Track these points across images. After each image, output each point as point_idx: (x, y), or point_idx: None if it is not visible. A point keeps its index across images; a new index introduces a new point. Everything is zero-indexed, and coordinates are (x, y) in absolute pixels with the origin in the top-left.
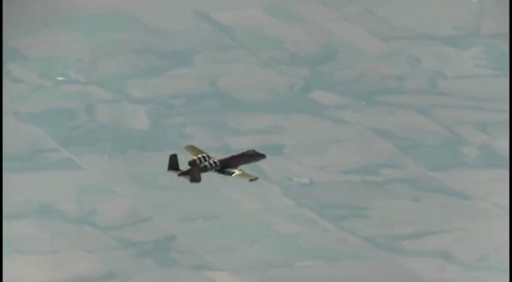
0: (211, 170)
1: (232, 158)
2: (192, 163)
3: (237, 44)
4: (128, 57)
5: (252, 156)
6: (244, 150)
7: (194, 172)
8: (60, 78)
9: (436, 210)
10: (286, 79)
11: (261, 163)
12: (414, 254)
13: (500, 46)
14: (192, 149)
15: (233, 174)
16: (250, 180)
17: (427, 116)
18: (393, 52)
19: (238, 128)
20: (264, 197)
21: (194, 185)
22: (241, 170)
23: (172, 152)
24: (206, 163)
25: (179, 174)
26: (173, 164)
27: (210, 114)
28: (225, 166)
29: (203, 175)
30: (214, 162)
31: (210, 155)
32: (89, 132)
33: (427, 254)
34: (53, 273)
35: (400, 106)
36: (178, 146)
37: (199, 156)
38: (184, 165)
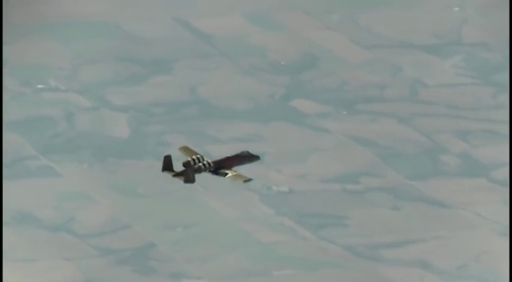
0: (205, 171)
1: (227, 159)
2: (186, 164)
3: (218, 51)
4: (109, 65)
5: (246, 157)
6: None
7: (188, 173)
8: (40, 86)
9: (415, 219)
10: (267, 87)
11: (240, 171)
12: (393, 262)
13: (481, 54)
14: (186, 150)
15: (227, 175)
16: (244, 181)
17: (407, 124)
18: (374, 60)
19: (218, 136)
20: (243, 206)
21: (173, 193)
22: (235, 171)
23: (151, 160)
24: (200, 164)
25: (173, 175)
26: (167, 165)
27: (189, 122)
28: (219, 167)
29: (178, 182)
30: (208, 163)
31: (204, 157)
32: (69, 140)
33: (406, 263)
34: (31, 281)
35: (380, 114)
36: (157, 154)
37: (194, 157)
38: (178, 167)
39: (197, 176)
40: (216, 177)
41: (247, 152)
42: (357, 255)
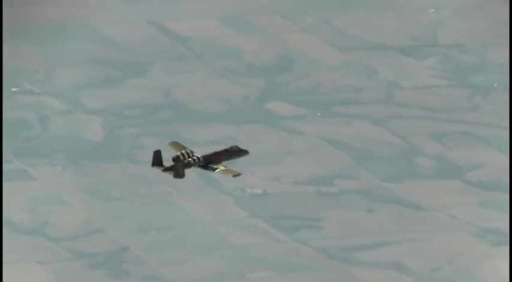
0: (195, 165)
1: (216, 154)
2: (176, 159)
3: (193, 54)
4: (83, 68)
5: (235, 152)
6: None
7: (178, 168)
8: (14, 89)
9: (390, 221)
10: (242, 90)
11: (214, 173)
12: (367, 265)
13: (457, 56)
14: (175, 145)
15: (216, 170)
16: (234, 175)
17: (382, 126)
18: (350, 62)
19: (193, 139)
20: (217, 208)
21: (147, 196)
22: (224, 166)
23: (125, 163)
24: (190, 159)
25: (163, 170)
26: (157, 160)
27: (164, 125)
28: (208, 162)
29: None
30: (198, 158)
31: (194, 152)
32: (43, 143)
33: (380, 265)
34: None
35: (355, 117)
36: (132, 157)
37: (183, 152)
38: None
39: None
40: (189, 179)
41: (236, 146)
42: (331, 258)
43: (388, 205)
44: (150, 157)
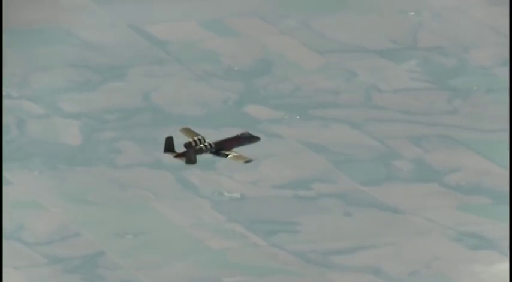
0: (207, 152)
1: (227, 140)
2: (187, 145)
3: (172, 58)
4: (61, 71)
5: (246, 138)
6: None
7: (190, 154)
8: None
9: (367, 225)
10: (220, 93)
11: (191, 177)
12: (344, 269)
13: (436, 59)
14: (187, 131)
15: (228, 156)
16: (245, 162)
17: (361, 130)
18: (328, 65)
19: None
20: (194, 212)
21: (124, 200)
22: (236, 152)
23: (103, 167)
24: (201, 145)
25: (175, 156)
26: (169, 147)
27: (142, 129)
28: (219, 148)
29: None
30: (210, 145)
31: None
32: (20, 147)
33: (357, 269)
34: None
35: (334, 120)
36: (109, 160)
37: (195, 138)
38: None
39: (146, 182)
40: (166, 183)
41: (248, 132)
42: (308, 262)
43: (366, 209)
44: (127, 161)
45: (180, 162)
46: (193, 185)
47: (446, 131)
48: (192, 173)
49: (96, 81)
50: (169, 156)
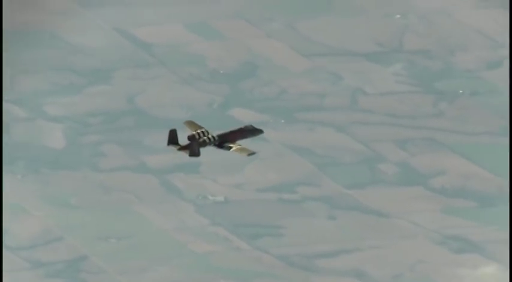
0: (210, 144)
1: (231, 133)
2: (191, 138)
3: (157, 61)
4: (46, 74)
5: (249, 131)
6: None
7: (193, 146)
8: None
9: (352, 229)
10: (206, 96)
11: (175, 181)
12: (328, 272)
13: (422, 62)
14: (191, 124)
15: (231, 149)
16: (249, 154)
17: (346, 133)
18: (314, 69)
19: (155, 146)
20: (177, 216)
21: (107, 204)
22: (239, 145)
23: (86, 171)
24: (205, 138)
25: (179, 149)
26: (173, 139)
27: (126, 132)
28: (223, 141)
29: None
30: (213, 137)
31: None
32: (3, 150)
33: (341, 272)
34: None
35: (319, 123)
36: (93, 164)
37: (199, 131)
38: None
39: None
40: (150, 187)
41: (251, 125)
42: (292, 265)
43: (350, 212)
44: (111, 165)
45: (164, 165)
46: (177, 189)
47: (432, 134)
48: (176, 177)
49: (80, 84)
50: (154, 159)
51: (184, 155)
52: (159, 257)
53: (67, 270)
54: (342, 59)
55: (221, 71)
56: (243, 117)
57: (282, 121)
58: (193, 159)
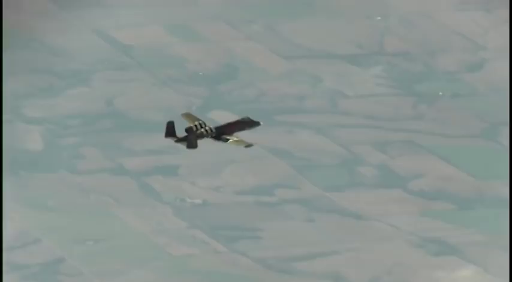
0: (207, 136)
1: (228, 125)
2: (189, 130)
3: (136, 63)
4: (24, 76)
5: (246, 123)
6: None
7: (191, 138)
8: None
9: (330, 231)
10: (185, 99)
11: (154, 183)
12: (305, 275)
13: (402, 64)
14: (188, 116)
15: (229, 141)
16: (246, 146)
17: (325, 135)
18: (294, 71)
19: (133, 148)
20: (155, 219)
21: (84, 206)
22: (236, 136)
23: (64, 173)
24: (202, 130)
25: (176, 141)
26: (170, 131)
27: (105, 135)
28: (220, 133)
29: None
30: (211, 129)
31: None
32: None
33: (319, 275)
34: None
35: (299, 126)
36: (71, 166)
37: (196, 123)
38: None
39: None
40: (128, 189)
41: (248, 117)
42: (269, 268)
43: (329, 215)
44: (89, 167)
45: (142, 168)
46: (155, 191)
47: (411, 136)
48: (154, 179)
49: (59, 86)
50: (132, 161)
51: (162, 158)
52: (137, 260)
53: (44, 273)
54: (322, 61)
55: (200, 73)
56: (222, 119)
57: (261, 123)
58: (171, 161)
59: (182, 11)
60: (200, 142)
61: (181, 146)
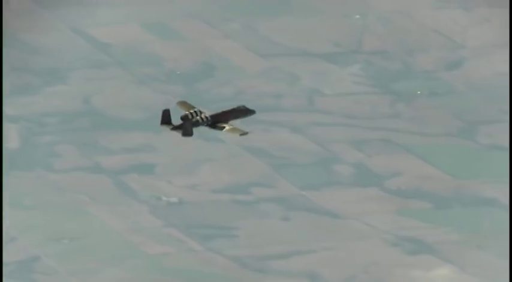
0: (203, 124)
1: (223, 113)
2: (184, 118)
3: (113, 61)
4: (1, 74)
5: (241, 111)
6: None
7: (186, 126)
8: None
9: (306, 230)
10: (162, 97)
11: (129, 182)
12: (280, 274)
13: (379, 63)
14: (184, 104)
15: (224, 129)
16: (241, 134)
17: (302, 134)
18: (272, 69)
19: (110, 147)
20: (131, 217)
21: (60, 204)
22: (231, 125)
23: (40, 171)
24: (198, 118)
25: (172, 129)
26: (166, 119)
27: (82, 133)
28: (216, 121)
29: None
30: (206, 117)
31: (202, 110)
32: None
33: (293, 274)
34: None
35: (275, 124)
36: (48, 165)
37: (191, 111)
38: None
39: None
40: (104, 187)
41: (244, 106)
42: (244, 267)
43: (305, 213)
44: (65, 165)
45: (118, 166)
46: (131, 190)
47: (388, 135)
48: (130, 178)
49: (36, 84)
50: (108, 160)
51: (138, 156)
52: (112, 258)
53: (19, 271)
54: (299, 59)
55: (178, 72)
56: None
57: (238, 122)
58: (148, 160)
59: (160, 9)
60: (176, 140)
61: (158, 144)
